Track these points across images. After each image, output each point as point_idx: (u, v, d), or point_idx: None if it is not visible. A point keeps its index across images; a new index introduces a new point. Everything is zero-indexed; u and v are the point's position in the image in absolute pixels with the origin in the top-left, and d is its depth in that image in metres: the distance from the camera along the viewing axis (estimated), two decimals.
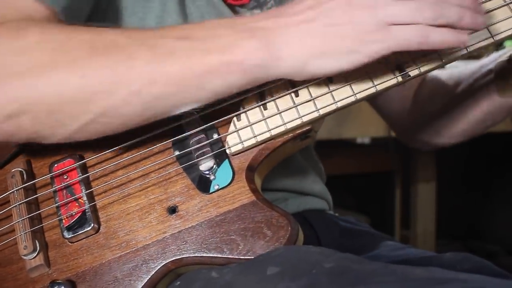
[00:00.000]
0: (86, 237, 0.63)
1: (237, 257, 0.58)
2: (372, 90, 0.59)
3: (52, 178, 0.65)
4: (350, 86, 0.60)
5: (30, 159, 0.67)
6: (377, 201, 1.99)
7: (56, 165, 0.65)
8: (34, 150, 0.67)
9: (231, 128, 0.62)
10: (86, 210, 0.62)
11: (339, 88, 0.60)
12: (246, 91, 0.59)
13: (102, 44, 0.55)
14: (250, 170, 0.62)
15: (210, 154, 0.62)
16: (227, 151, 0.62)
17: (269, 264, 0.55)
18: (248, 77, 0.55)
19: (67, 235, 0.62)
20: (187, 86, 0.55)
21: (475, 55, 0.70)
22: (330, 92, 0.60)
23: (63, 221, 0.63)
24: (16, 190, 0.64)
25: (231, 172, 0.61)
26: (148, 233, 0.61)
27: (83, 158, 0.65)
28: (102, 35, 0.56)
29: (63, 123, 0.56)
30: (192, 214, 0.61)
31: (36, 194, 0.65)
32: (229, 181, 0.61)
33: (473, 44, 0.59)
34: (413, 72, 0.60)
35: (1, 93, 0.54)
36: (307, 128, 0.61)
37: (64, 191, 0.64)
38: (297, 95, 0.61)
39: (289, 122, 0.61)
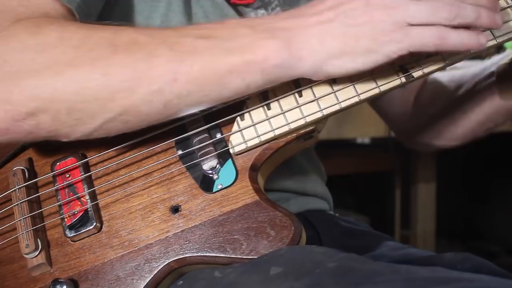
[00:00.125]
0: (88, 236, 0.63)
1: (240, 256, 0.58)
2: (376, 91, 0.59)
3: (54, 176, 0.65)
4: (354, 87, 0.60)
5: (32, 157, 0.67)
6: (377, 201, 2.00)
7: (58, 163, 0.65)
8: (36, 148, 0.67)
9: (235, 127, 0.62)
10: (89, 209, 0.62)
11: (342, 89, 0.60)
12: None
13: (122, 42, 0.54)
14: (254, 169, 0.62)
15: (214, 153, 0.62)
16: (231, 150, 0.62)
17: (273, 264, 0.55)
18: (268, 77, 0.55)
19: (69, 233, 0.62)
20: (208, 84, 0.55)
21: (477, 55, 0.70)
22: (334, 92, 0.60)
23: (65, 219, 0.63)
24: (18, 189, 0.64)
25: (235, 172, 0.61)
26: (150, 232, 0.61)
27: (85, 157, 0.65)
28: (122, 33, 0.55)
29: (83, 121, 0.55)
30: (195, 214, 0.61)
31: (38, 193, 0.65)
32: (232, 180, 0.61)
33: None
34: (417, 73, 0.60)
35: (21, 91, 0.53)
36: (310, 128, 0.62)
37: (66, 190, 0.64)
38: (300, 95, 0.61)
39: (292, 122, 0.61)
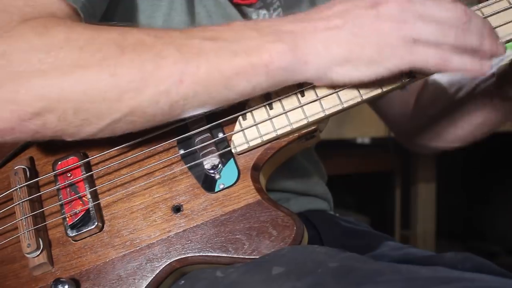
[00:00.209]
0: (90, 235, 0.63)
1: (242, 256, 0.58)
2: (378, 91, 0.59)
3: (55, 176, 0.65)
4: (356, 87, 0.60)
5: (33, 156, 0.67)
6: (377, 201, 2.00)
7: (59, 162, 0.65)
8: (37, 147, 0.67)
9: (237, 127, 0.62)
10: (90, 209, 0.62)
11: (345, 89, 0.60)
12: None
13: (129, 43, 0.54)
14: (255, 169, 0.62)
15: (216, 153, 0.62)
16: (233, 150, 0.62)
17: (274, 264, 0.55)
18: (273, 79, 0.55)
19: (70, 233, 0.62)
20: (214, 86, 0.55)
21: None
22: (336, 92, 0.60)
23: (67, 219, 0.63)
24: (19, 188, 0.64)
25: (237, 172, 0.61)
26: (152, 232, 0.61)
27: (87, 156, 0.65)
28: (129, 34, 0.55)
29: (90, 121, 0.55)
30: (197, 213, 0.61)
31: (40, 192, 0.65)
32: (234, 180, 0.61)
33: None
34: (419, 74, 0.60)
35: (27, 91, 0.53)
36: (312, 128, 0.62)
37: (68, 189, 0.64)
38: (303, 95, 0.61)
39: (294, 122, 0.61)
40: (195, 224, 0.61)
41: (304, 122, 0.61)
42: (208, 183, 0.62)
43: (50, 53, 0.54)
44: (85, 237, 0.63)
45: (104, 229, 0.63)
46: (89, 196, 0.63)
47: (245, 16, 0.75)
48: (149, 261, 0.60)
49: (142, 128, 0.58)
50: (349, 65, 0.54)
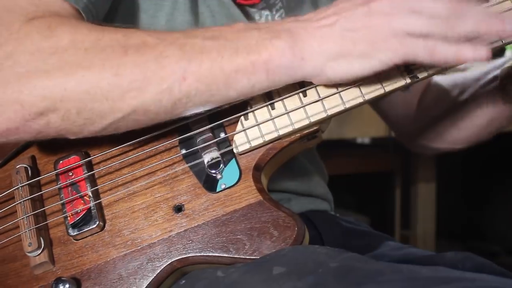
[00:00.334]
0: (91, 234, 0.63)
1: (243, 257, 0.58)
2: (381, 91, 0.59)
3: (57, 175, 0.65)
4: (359, 87, 0.60)
5: (35, 155, 0.67)
6: (377, 201, 2.00)
7: (61, 161, 0.65)
8: (39, 146, 0.67)
9: (239, 127, 0.62)
10: (92, 208, 0.62)
11: (347, 89, 0.60)
12: None
13: (132, 44, 0.55)
14: (257, 169, 0.62)
15: (217, 153, 0.62)
16: (234, 150, 0.62)
17: (275, 264, 0.55)
18: (273, 77, 0.56)
19: (72, 232, 0.62)
20: (215, 84, 0.55)
21: None
22: (338, 92, 0.60)
23: (68, 218, 0.63)
24: (21, 187, 0.64)
25: (238, 172, 0.61)
26: (153, 232, 0.61)
27: (88, 155, 0.65)
28: (132, 35, 0.56)
29: (93, 121, 0.56)
30: (199, 213, 0.61)
31: (41, 191, 0.65)
32: (236, 180, 0.61)
33: None
34: (421, 74, 0.60)
35: (31, 91, 0.54)
36: (314, 128, 0.62)
37: (69, 188, 0.64)
38: (305, 95, 0.61)
39: (296, 122, 0.61)
40: (196, 224, 0.61)
41: (306, 122, 0.61)
42: (209, 183, 0.62)
43: (54, 54, 0.54)
44: (86, 236, 0.63)
45: (105, 228, 0.63)
46: (90, 195, 0.63)
47: (248, 16, 0.75)
48: (150, 260, 0.60)
49: (145, 126, 0.59)
50: (343, 60, 0.55)
